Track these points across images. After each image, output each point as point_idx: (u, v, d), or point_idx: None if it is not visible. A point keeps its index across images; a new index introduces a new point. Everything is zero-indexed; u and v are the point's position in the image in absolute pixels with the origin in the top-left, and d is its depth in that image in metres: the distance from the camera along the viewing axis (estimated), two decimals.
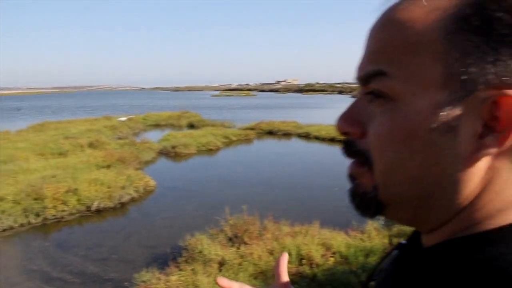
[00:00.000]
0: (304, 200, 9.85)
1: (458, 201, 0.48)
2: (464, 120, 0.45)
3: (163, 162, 15.48)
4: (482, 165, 0.47)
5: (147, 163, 14.75)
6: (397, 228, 6.59)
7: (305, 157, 16.26)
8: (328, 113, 35.71)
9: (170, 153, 16.43)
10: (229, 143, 19.45)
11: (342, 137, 0.57)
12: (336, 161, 15.57)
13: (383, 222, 7.16)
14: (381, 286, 0.61)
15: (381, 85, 0.49)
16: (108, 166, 12.61)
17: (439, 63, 0.45)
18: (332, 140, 19.18)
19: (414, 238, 0.60)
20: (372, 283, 0.65)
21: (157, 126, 27.73)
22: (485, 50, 0.44)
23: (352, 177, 0.56)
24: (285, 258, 0.88)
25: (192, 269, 5.41)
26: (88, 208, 9.37)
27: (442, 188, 0.48)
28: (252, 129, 23.13)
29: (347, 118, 0.54)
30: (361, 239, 6.13)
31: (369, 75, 0.50)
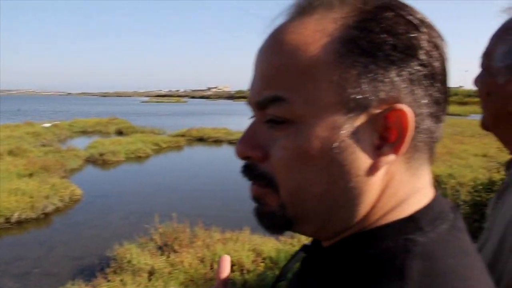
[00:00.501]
0: (235, 207, 9.87)
1: (361, 208, 0.52)
2: (362, 135, 0.50)
3: (90, 170, 14.97)
4: (380, 173, 0.51)
5: (74, 171, 14.20)
6: None
7: (235, 164, 16.28)
8: None
9: (98, 161, 15.91)
10: (159, 150, 19.14)
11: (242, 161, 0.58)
12: None
13: None
14: (290, 287, 0.64)
15: (281, 111, 0.51)
16: (31, 175, 12.00)
17: (334, 85, 0.49)
18: None
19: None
20: (282, 283, 0.69)
21: (84, 132, 26.74)
22: (374, 70, 0.49)
23: (256, 198, 0.57)
24: (226, 261, 0.88)
25: (121, 280, 5.28)
26: (8, 220, 8.85)
27: (347, 200, 0.52)
28: (182, 135, 22.94)
29: (246, 142, 0.55)
30: (291, 243, 6.24)
31: (266, 100, 0.52)
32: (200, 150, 20.34)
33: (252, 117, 0.58)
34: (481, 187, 5.15)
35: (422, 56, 0.50)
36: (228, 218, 8.52)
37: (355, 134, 0.50)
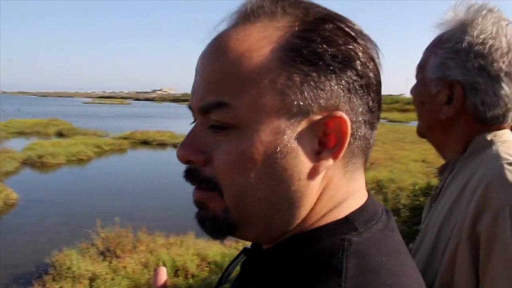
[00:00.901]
0: (179, 211, 9.74)
1: (301, 211, 0.54)
2: (303, 140, 0.52)
3: (27, 173, 14.37)
4: (319, 176, 0.53)
5: (9, 174, 13.56)
6: None
7: (180, 168, 16.15)
8: None
9: (36, 163, 15.29)
10: (101, 153, 18.64)
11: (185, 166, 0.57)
12: None
13: None
14: None
15: (224, 116, 0.51)
16: None
17: (277, 92, 0.50)
18: None
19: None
20: (224, 286, 0.68)
21: (21, 134, 25.59)
22: (315, 78, 0.50)
23: (199, 203, 0.57)
24: (162, 272, 0.87)
25: (60, 287, 5.09)
26: None
27: (289, 203, 0.53)
28: (126, 138, 22.48)
29: (188, 147, 0.55)
30: (236, 247, 6.24)
31: (209, 106, 0.52)
32: (144, 153, 20.03)
33: (193, 122, 0.58)
34: (419, 191, 5.34)
35: (359, 67, 0.52)
36: (172, 222, 8.40)
37: (297, 139, 0.51)
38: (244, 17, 0.54)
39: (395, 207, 8.49)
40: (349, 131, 0.51)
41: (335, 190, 0.55)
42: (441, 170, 1.14)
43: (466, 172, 1.01)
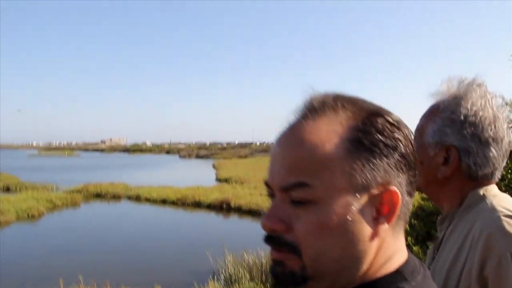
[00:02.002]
0: (142, 264, 9.60)
1: (364, 267, 0.69)
2: (365, 210, 0.66)
3: None
4: (377, 238, 0.68)
5: None
6: (238, 287, 6.82)
7: (136, 220, 15.94)
8: (158, 174, 35.52)
9: None
10: (53, 207, 18.01)
11: (268, 233, 0.69)
12: (168, 223, 15.56)
13: (223, 282, 7.36)
14: None
15: (304, 194, 0.66)
16: None
17: (345, 174, 0.66)
18: (163, 202, 19.12)
19: None
20: None
21: None
22: (373, 161, 0.66)
23: (278, 262, 0.69)
24: None
25: None
26: None
27: (355, 261, 0.68)
28: (78, 191, 21.85)
29: (272, 218, 0.69)
30: None
31: (291, 185, 0.67)
32: (98, 207, 19.52)
33: (271, 195, 0.72)
34: None
35: (402, 150, 0.68)
36: (136, 275, 8.25)
37: (361, 210, 0.66)
38: (312, 111, 0.70)
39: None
40: (400, 201, 0.66)
41: (387, 248, 0.69)
42: (441, 222, 1.32)
43: (465, 223, 1.21)
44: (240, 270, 7.65)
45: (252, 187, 22.19)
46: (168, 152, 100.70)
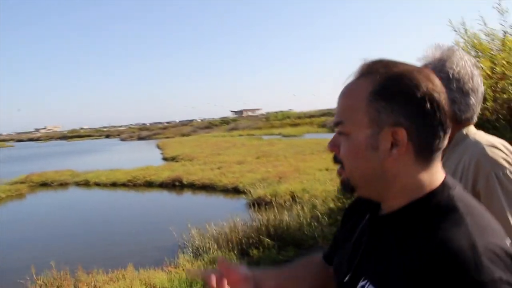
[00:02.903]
0: (107, 247, 9.64)
1: (387, 184, 0.95)
2: (381, 142, 0.93)
3: None
4: (395, 164, 0.93)
5: None
6: (207, 257, 7.07)
7: (92, 204, 15.76)
8: (102, 158, 34.77)
9: None
10: None
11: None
12: (124, 204, 15.47)
13: (192, 254, 7.58)
14: (366, 249, 1.00)
15: (342, 128, 0.97)
16: None
17: (366, 116, 0.93)
18: (114, 185, 18.92)
19: (372, 212, 1.04)
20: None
21: None
22: (388, 107, 0.92)
23: (338, 173, 1.01)
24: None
25: None
26: None
27: (375, 178, 0.95)
28: (22, 182, 21.16)
29: (330, 144, 1.01)
30: (177, 272, 6.41)
31: (336, 123, 0.99)
32: (47, 196, 19.04)
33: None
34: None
35: (414, 101, 0.91)
36: (105, 258, 8.31)
37: (377, 142, 0.93)
38: (357, 73, 0.98)
39: (313, 214, 9.12)
40: (405, 138, 0.91)
41: (417, 173, 0.93)
42: None
43: (455, 156, 1.55)
44: (206, 241, 7.88)
45: (202, 163, 22.27)
46: (108, 136, 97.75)
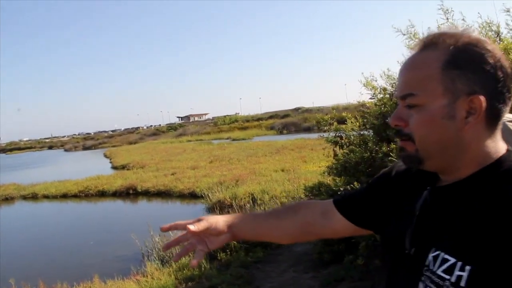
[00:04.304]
0: (67, 260, 9.25)
1: (470, 149, 0.95)
2: (457, 111, 0.93)
3: None
4: (470, 132, 0.94)
5: None
6: (177, 265, 6.93)
7: (42, 219, 15.13)
8: (48, 170, 33.45)
9: None
10: None
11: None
12: (78, 216, 14.97)
13: (158, 262, 7.40)
14: (432, 221, 0.98)
15: (413, 100, 0.95)
16: None
17: (441, 85, 0.93)
18: (64, 196, 18.23)
19: (430, 184, 1.03)
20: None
21: None
22: (463, 76, 0.93)
23: (401, 148, 1.01)
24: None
25: None
26: None
27: (451, 146, 0.95)
28: None
29: (396, 117, 0.99)
30: (146, 281, 6.24)
31: (406, 95, 0.96)
32: None
33: (396, 104, 1.02)
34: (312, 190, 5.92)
35: (487, 69, 0.93)
36: (67, 271, 7.97)
37: (453, 111, 0.93)
38: (422, 45, 0.98)
39: None
40: (484, 106, 0.91)
41: (487, 141, 0.95)
42: None
43: None
44: (172, 248, 7.70)
45: (154, 170, 21.89)
46: (51, 147, 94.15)
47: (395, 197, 1.14)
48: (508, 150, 0.96)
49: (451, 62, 0.92)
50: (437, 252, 0.91)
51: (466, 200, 0.93)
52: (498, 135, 0.97)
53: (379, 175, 1.26)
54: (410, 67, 0.98)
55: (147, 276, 6.53)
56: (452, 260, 0.87)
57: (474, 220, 0.88)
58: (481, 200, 0.89)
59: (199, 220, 1.24)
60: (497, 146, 0.96)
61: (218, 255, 7.13)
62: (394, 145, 3.96)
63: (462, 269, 0.84)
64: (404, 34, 4.15)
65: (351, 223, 1.26)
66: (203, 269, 6.53)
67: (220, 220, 1.27)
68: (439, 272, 0.89)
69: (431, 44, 0.96)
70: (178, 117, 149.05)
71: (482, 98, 0.90)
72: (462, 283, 0.84)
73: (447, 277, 0.86)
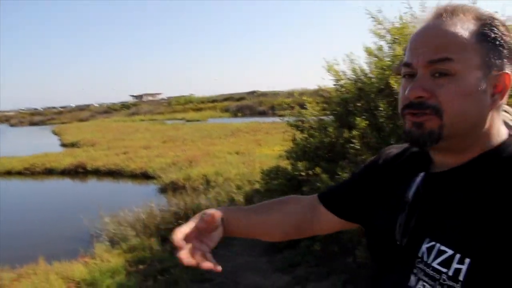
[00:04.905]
0: (13, 241, 8.81)
1: (484, 130, 0.89)
2: (488, 85, 0.87)
3: None
4: (493, 110, 0.88)
5: None
6: (126, 244, 6.75)
7: None
8: None
9: None
10: None
11: (405, 104, 0.89)
12: (24, 194, 14.41)
13: (108, 243, 7.18)
14: (426, 209, 0.90)
15: (448, 66, 0.85)
16: None
17: (477, 56, 0.86)
18: (8, 173, 17.42)
19: (426, 170, 0.95)
20: None
21: None
22: (494, 50, 0.87)
23: (418, 124, 0.87)
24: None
25: None
26: None
27: (480, 124, 0.88)
28: None
29: (418, 88, 0.86)
30: (95, 263, 6.03)
31: (439, 60, 0.85)
32: None
33: (408, 75, 0.90)
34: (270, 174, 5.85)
35: (511, 45, 0.89)
36: (6, 252, 7.57)
37: (485, 85, 0.86)
38: (447, 14, 0.88)
39: (230, 197, 9.09)
40: (510, 83, 0.87)
41: (497, 122, 0.91)
42: None
43: None
44: (123, 229, 7.53)
45: (106, 148, 21.31)
46: None
47: (384, 186, 1.06)
48: (510, 135, 0.91)
49: (484, 35, 0.86)
50: (432, 243, 0.84)
51: (466, 187, 0.86)
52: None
53: (366, 164, 1.18)
54: (442, 31, 0.87)
55: (95, 258, 6.31)
56: (450, 251, 0.80)
57: (475, 209, 0.81)
58: (482, 188, 0.82)
59: (203, 216, 1.07)
60: (502, 129, 0.91)
61: (170, 237, 6.97)
62: (356, 132, 3.91)
63: (461, 261, 0.78)
64: (373, 18, 4.10)
65: (338, 217, 1.17)
66: (154, 251, 6.39)
67: (217, 215, 1.09)
68: (435, 264, 0.82)
69: (455, 14, 0.88)
70: (132, 96, 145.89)
71: (510, 73, 0.87)
72: (461, 277, 0.77)
73: (444, 270, 0.80)
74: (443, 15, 0.89)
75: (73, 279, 5.41)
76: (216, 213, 1.08)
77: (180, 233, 1.02)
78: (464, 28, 0.86)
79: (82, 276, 5.42)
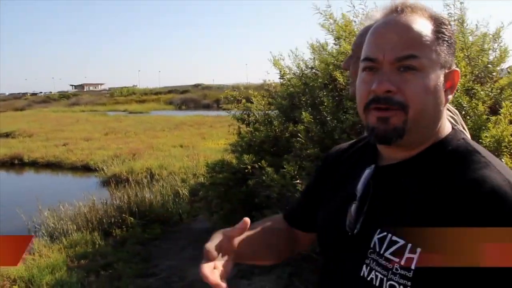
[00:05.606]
0: None
1: (438, 126, 0.95)
2: (443, 82, 0.92)
3: None
4: (444, 106, 0.95)
5: None
6: (66, 240, 6.55)
7: None
8: None
9: None
10: None
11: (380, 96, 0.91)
12: None
13: (47, 238, 6.95)
14: (377, 201, 0.94)
15: (415, 63, 0.88)
16: None
17: (437, 54, 0.91)
18: None
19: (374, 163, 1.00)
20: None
21: None
22: (449, 48, 0.93)
23: (384, 119, 0.90)
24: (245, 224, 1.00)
25: None
26: None
27: (437, 119, 0.94)
28: None
29: (385, 82, 0.89)
30: (33, 259, 5.82)
31: (404, 57, 0.89)
32: None
33: (371, 68, 0.92)
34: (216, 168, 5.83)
35: (454, 44, 0.96)
36: None
37: (442, 81, 0.92)
38: (407, 9, 0.92)
39: (174, 191, 8.99)
40: (459, 79, 0.94)
41: (445, 115, 0.96)
42: None
43: None
44: (63, 223, 7.30)
45: (44, 139, 20.47)
46: None
47: (333, 181, 1.10)
48: (453, 129, 0.97)
49: (441, 33, 0.91)
50: (384, 234, 0.88)
51: (414, 179, 0.90)
52: None
53: (315, 171, 1.22)
54: (406, 28, 0.90)
55: (34, 253, 6.08)
56: (401, 241, 0.84)
57: (423, 200, 0.86)
58: (429, 180, 0.88)
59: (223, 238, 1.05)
60: (447, 124, 0.98)
61: (113, 231, 6.86)
62: (302, 126, 3.99)
63: (412, 251, 0.82)
64: (321, 13, 4.17)
65: (304, 232, 1.21)
66: (97, 246, 6.24)
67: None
68: (387, 254, 0.85)
69: (414, 12, 0.93)
70: (72, 86, 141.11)
71: (459, 73, 0.94)
72: (412, 266, 0.81)
73: (396, 259, 0.83)
74: (404, 11, 0.92)
75: (9, 277, 5.18)
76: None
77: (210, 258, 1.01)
78: (425, 26, 0.91)
79: (19, 273, 5.18)
